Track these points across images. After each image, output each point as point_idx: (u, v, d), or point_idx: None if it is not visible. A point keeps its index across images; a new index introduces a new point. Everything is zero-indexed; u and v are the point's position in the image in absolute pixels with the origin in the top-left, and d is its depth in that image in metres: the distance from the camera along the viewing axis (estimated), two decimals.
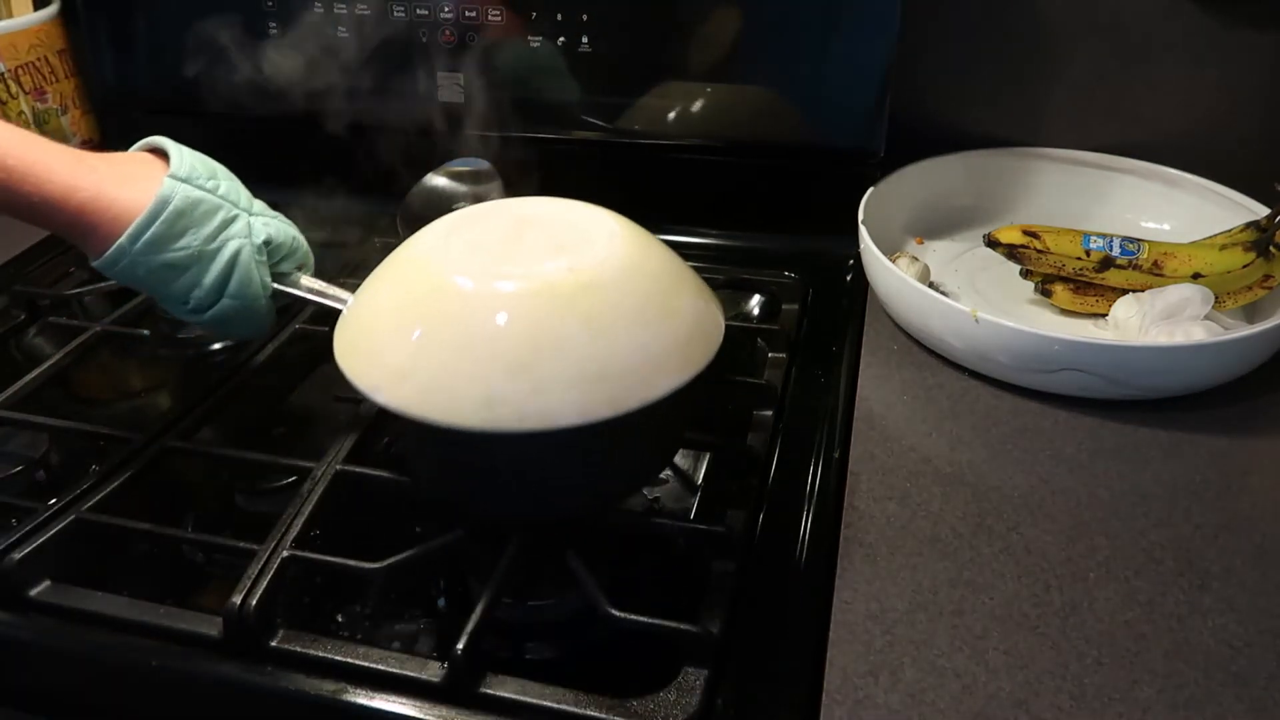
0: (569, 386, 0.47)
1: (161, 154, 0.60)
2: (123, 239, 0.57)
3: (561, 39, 0.84)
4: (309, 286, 0.64)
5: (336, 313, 0.59)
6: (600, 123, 0.86)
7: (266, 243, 0.61)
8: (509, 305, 0.49)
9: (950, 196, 0.86)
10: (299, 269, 0.64)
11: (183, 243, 0.58)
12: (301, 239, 0.65)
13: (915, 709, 0.47)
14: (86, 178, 0.57)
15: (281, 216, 0.65)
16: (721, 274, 0.78)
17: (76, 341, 0.75)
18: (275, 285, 0.62)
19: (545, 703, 0.47)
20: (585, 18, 0.83)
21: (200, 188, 0.59)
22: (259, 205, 0.63)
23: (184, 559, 0.60)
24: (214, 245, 0.59)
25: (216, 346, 0.80)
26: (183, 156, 0.60)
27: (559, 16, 0.83)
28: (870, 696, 0.47)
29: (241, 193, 0.62)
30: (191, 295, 0.59)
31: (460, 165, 0.86)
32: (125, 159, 0.60)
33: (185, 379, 0.77)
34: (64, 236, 0.59)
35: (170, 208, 0.57)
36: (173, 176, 0.58)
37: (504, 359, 0.48)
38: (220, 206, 0.60)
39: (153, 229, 0.57)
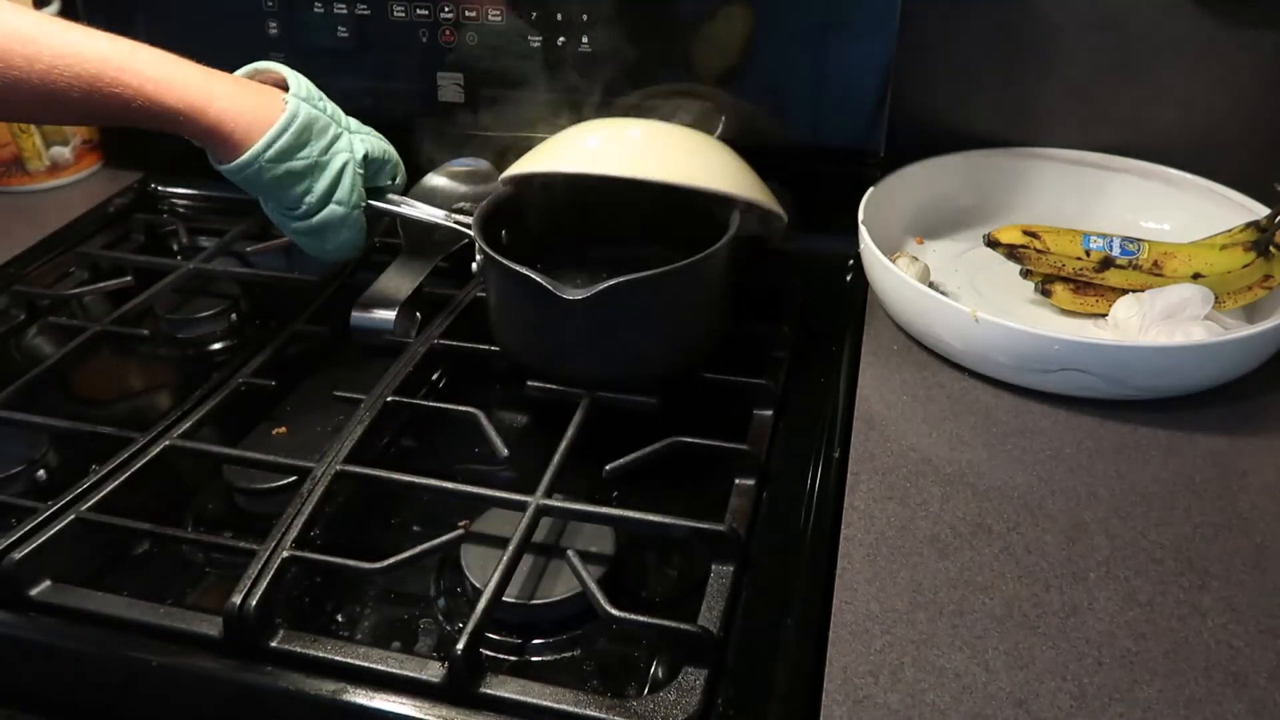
0: (719, 165, 0.69)
1: (271, 77, 0.70)
2: (257, 146, 0.66)
3: (561, 39, 0.84)
4: (403, 201, 0.76)
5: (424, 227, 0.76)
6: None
7: (365, 156, 0.71)
8: (665, 128, 0.71)
9: (950, 196, 0.86)
10: (393, 180, 0.75)
11: (304, 153, 0.68)
12: (393, 151, 0.75)
13: (915, 709, 0.47)
14: (220, 90, 0.65)
15: (374, 132, 0.74)
16: None
17: (76, 341, 0.75)
18: (375, 203, 0.73)
19: (545, 703, 0.47)
20: (585, 17, 0.83)
21: (315, 107, 0.69)
22: (355, 124, 0.73)
23: (184, 559, 0.60)
24: (326, 157, 0.69)
25: (217, 346, 0.81)
26: (299, 80, 0.70)
27: (559, 16, 0.83)
28: (870, 696, 0.47)
29: (341, 113, 0.72)
30: (304, 200, 0.69)
31: (460, 165, 0.86)
32: (244, 80, 0.69)
33: (185, 379, 0.77)
34: (197, 140, 0.67)
35: (297, 121, 0.67)
36: (295, 96, 0.68)
37: (678, 150, 0.69)
38: (331, 124, 0.70)
39: (283, 139, 0.66)
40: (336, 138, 0.70)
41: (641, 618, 0.50)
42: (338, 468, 0.60)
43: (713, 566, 0.54)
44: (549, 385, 0.67)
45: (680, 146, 0.70)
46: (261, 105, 0.67)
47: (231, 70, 0.70)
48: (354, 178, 0.70)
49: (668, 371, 0.67)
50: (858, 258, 0.77)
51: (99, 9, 0.94)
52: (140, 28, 0.94)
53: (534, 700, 0.47)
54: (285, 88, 0.70)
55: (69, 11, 0.96)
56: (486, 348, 0.71)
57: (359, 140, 0.72)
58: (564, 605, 0.53)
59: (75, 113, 0.64)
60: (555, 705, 0.47)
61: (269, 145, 0.66)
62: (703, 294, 0.67)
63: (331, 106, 0.71)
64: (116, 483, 0.60)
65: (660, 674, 0.51)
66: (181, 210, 0.99)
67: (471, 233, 0.68)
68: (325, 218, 0.70)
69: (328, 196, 0.69)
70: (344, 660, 0.50)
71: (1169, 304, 0.69)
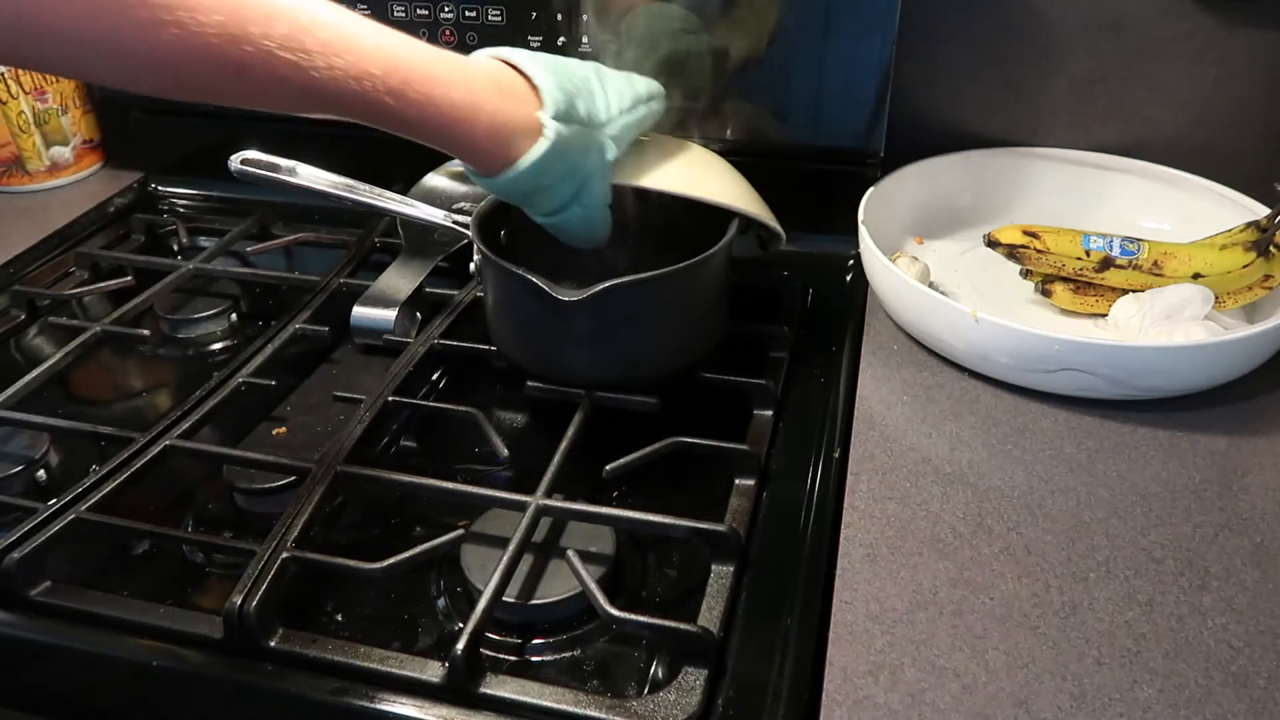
0: (723, 180, 0.69)
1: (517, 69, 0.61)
2: (517, 173, 0.59)
3: (561, 39, 0.84)
4: (403, 201, 0.74)
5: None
6: None
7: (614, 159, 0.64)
8: (668, 140, 0.71)
9: (950, 196, 0.86)
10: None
11: (560, 171, 0.61)
12: (649, 92, 0.67)
13: (915, 709, 0.47)
14: (485, 103, 0.58)
15: (633, 81, 0.66)
16: None
17: (76, 341, 0.75)
18: (372, 202, 0.72)
19: (545, 703, 0.47)
20: (585, 17, 0.83)
21: (575, 121, 0.61)
22: (614, 90, 0.64)
23: (184, 559, 0.60)
24: (582, 171, 0.62)
25: (217, 347, 0.81)
26: (550, 84, 0.60)
27: (559, 16, 0.83)
28: (870, 696, 0.47)
29: (596, 100, 0.63)
30: (550, 205, 0.63)
31: (460, 165, 0.86)
32: (502, 81, 0.60)
33: (185, 379, 0.77)
34: (449, 150, 0.60)
35: (552, 150, 0.59)
36: (552, 119, 0.59)
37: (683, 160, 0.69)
38: (590, 141, 0.62)
39: (537, 168, 0.59)
40: (594, 149, 0.62)
41: (641, 618, 0.50)
42: (338, 468, 0.60)
43: (713, 566, 0.54)
44: (548, 385, 0.67)
45: (682, 159, 0.69)
46: (520, 112, 0.59)
47: None
48: (602, 182, 0.64)
49: (665, 374, 0.67)
50: (858, 258, 0.77)
51: None
52: None
53: (534, 700, 0.47)
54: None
55: None
56: (486, 348, 0.71)
57: (612, 140, 0.63)
58: (564, 605, 0.53)
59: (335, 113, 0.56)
60: (555, 705, 0.47)
61: (530, 173, 0.60)
62: (700, 297, 0.67)
63: (586, 104, 0.62)
64: (116, 483, 0.60)
65: (660, 674, 0.51)
66: (181, 210, 0.99)
67: (470, 233, 0.68)
68: (566, 218, 0.64)
69: (573, 200, 0.63)
70: (344, 660, 0.50)
71: (1169, 304, 0.69)
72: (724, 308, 0.70)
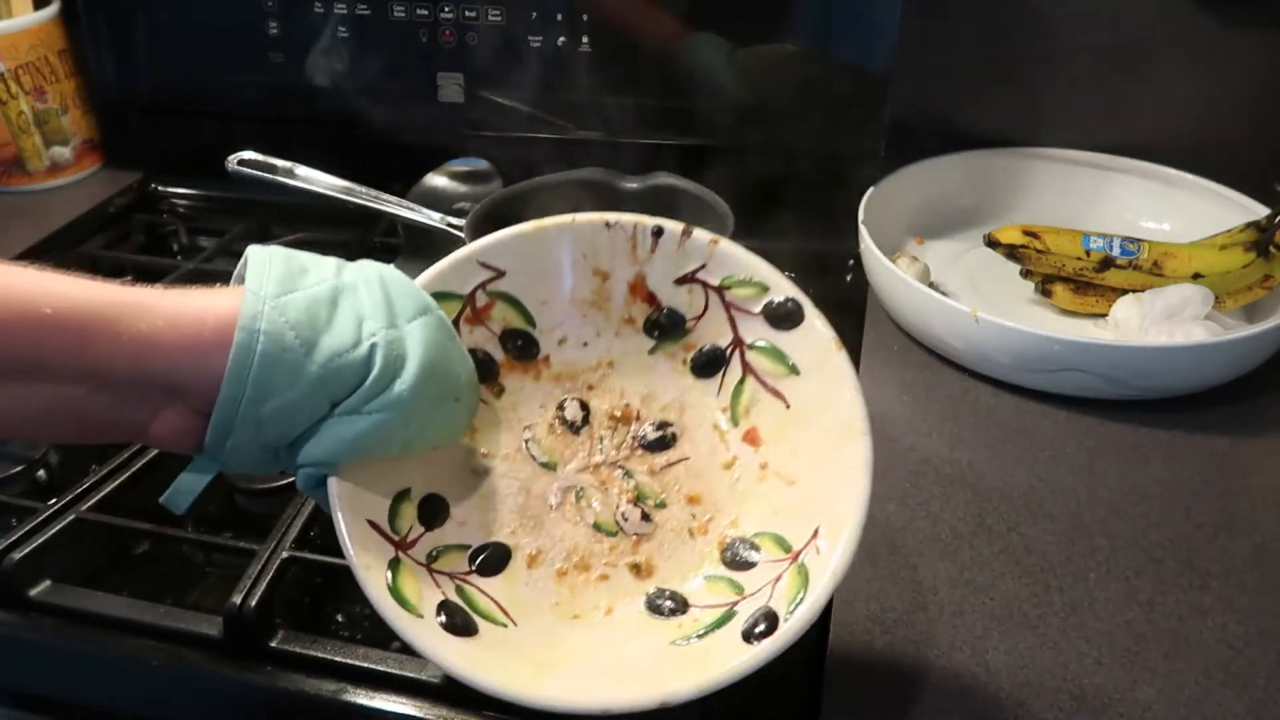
0: None
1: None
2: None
3: (561, 39, 0.84)
4: (401, 203, 0.70)
5: None
6: (600, 122, 0.86)
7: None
8: None
9: (950, 196, 0.86)
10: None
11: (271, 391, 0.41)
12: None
13: (915, 709, 0.47)
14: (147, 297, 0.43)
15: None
16: None
17: None
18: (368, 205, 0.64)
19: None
20: (585, 18, 0.83)
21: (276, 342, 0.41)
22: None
23: (184, 559, 0.60)
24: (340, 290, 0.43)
25: None
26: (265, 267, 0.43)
27: (559, 17, 0.83)
28: (870, 696, 0.47)
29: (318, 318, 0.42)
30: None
31: (460, 165, 0.86)
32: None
33: None
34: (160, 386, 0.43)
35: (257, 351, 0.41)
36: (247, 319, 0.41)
37: None
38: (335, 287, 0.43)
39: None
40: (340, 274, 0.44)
41: None
42: None
43: None
44: None
45: None
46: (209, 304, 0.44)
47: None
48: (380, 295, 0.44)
49: None
50: (858, 258, 0.77)
51: (99, 9, 0.94)
52: (139, 28, 0.94)
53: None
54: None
55: (69, 12, 0.96)
56: None
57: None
58: None
59: None
60: (555, 705, 0.47)
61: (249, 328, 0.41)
62: None
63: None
64: (116, 483, 0.60)
65: None
66: (181, 210, 0.99)
67: (464, 236, 0.68)
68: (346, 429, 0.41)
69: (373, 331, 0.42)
70: (344, 660, 0.50)
71: (1169, 304, 0.69)
72: None
